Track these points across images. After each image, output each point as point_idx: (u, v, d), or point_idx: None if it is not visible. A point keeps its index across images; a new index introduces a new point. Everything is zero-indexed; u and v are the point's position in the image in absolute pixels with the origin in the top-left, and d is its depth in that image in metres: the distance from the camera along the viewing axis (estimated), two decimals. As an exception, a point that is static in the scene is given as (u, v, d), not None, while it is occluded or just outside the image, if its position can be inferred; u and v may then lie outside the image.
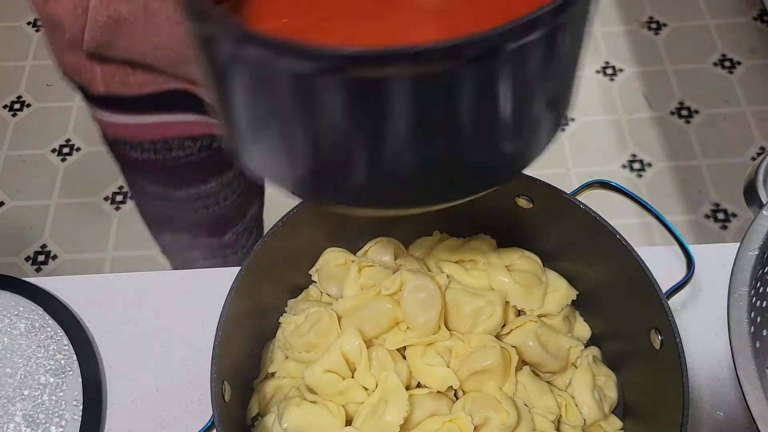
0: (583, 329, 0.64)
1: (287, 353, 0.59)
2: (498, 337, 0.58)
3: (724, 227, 1.63)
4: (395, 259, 0.65)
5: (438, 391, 0.55)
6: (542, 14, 0.29)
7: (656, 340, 0.53)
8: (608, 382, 0.60)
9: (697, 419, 0.63)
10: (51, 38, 0.73)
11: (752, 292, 0.50)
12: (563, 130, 1.78)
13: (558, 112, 0.37)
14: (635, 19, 1.98)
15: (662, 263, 0.69)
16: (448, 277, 0.60)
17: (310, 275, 0.66)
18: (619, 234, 0.56)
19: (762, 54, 1.89)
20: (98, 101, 0.76)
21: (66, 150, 1.80)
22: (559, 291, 0.62)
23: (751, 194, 0.58)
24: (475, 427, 0.53)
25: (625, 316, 0.59)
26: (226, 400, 0.52)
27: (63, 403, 0.64)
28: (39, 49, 1.99)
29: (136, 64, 0.70)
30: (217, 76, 0.33)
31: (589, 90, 1.85)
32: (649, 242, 1.60)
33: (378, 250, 0.65)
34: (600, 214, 0.57)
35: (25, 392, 0.65)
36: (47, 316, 0.69)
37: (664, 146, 1.75)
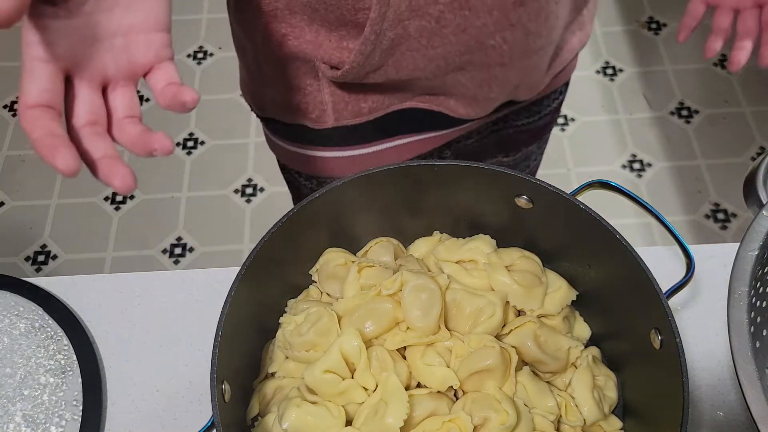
0: (582, 329, 0.64)
1: (287, 353, 0.59)
2: (498, 337, 0.58)
3: (724, 227, 1.63)
4: (395, 259, 0.65)
5: (438, 391, 0.55)
6: None
7: (656, 340, 0.53)
8: (608, 382, 0.60)
9: (697, 419, 0.63)
10: (260, 77, 0.70)
11: (752, 292, 0.50)
12: (563, 130, 1.78)
13: None
14: (635, 19, 1.98)
15: (662, 263, 0.69)
16: (448, 277, 0.60)
17: (310, 275, 0.66)
18: (619, 234, 0.56)
19: (762, 54, 1.89)
20: (309, 137, 0.74)
21: (66, 150, 1.80)
22: (559, 291, 0.62)
23: (751, 194, 0.58)
24: (475, 427, 0.53)
25: (625, 316, 0.59)
26: (226, 400, 0.52)
27: (63, 403, 0.64)
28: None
29: (371, 88, 0.68)
30: None
31: (589, 90, 1.85)
32: (649, 242, 1.60)
33: (378, 250, 0.65)
34: (600, 214, 0.57)
35: (25, 392, 0.65)
36: (47, 316, 0.69)
37: (664, 146, 1.75)
